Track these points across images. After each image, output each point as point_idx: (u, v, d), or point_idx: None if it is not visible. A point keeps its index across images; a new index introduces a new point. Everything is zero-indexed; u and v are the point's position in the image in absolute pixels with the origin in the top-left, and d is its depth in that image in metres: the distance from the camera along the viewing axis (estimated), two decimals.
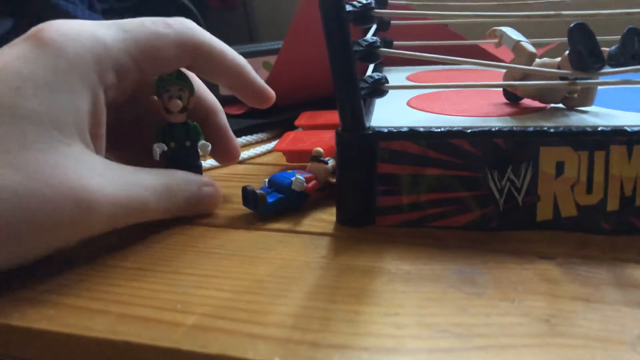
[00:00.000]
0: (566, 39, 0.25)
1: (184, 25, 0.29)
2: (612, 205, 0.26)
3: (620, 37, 0.26)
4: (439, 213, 0.27)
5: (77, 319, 0.21)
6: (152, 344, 0.19)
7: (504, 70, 0.32)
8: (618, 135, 0.25)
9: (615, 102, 0.32)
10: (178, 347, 0.19)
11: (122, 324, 0.21)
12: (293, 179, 0.30)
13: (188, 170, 0.31)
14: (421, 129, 0.27)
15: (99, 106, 0.26)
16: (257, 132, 0.47)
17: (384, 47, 0.28)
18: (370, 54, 0.27)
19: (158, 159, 0.30)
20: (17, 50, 0.25)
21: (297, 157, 0.37)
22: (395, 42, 0.46)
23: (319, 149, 0.32)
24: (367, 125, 0.28)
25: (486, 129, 0.26)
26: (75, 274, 0.25)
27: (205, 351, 0.19)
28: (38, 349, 0.21)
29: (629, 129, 0.25)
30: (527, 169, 0.26)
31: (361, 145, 0.27)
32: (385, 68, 0.50)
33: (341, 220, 0.29)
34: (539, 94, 0.30)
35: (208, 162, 0.40)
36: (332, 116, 0.44)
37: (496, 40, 0.33)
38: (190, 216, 0.30)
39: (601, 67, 0.26)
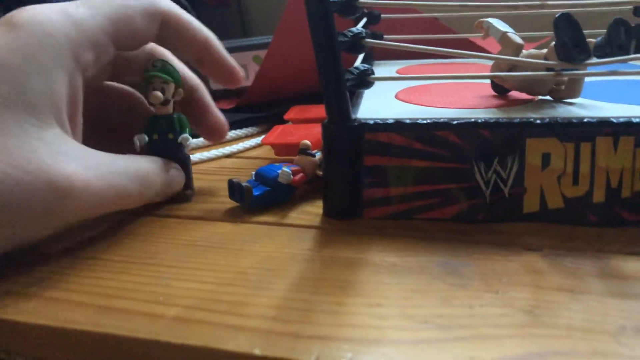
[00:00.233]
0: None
1: None
2: (599, 196, 0.26)
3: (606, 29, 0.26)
4: (425, 205, 0.27)
5: (57, 311, 0.21)
6: (132, 335, 0.19)
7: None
8: (604, 126, 0.25)
9: (602, 94, 0.32)
10: (158, 339, 0.19)
11: (103, 317, 0.20)
12: (280, 171, 0.30)
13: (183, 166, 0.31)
14: (407, 121, 0.27)
15: (75, 88, 0.26)
16: (246, 126, 0.47)
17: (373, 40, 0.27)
18: (356, 44, 0.27)
19: (138, 150, 0.30)
20: None
21: (286, 151, 0.37)
22: (385, 36, 0.45)
23: (307, 141, 0.32)
24: (354, 117, 0.28)
25: (472, 120, 0.26)
26: (57, 267, 0.24)
27: (186, 342, 0.19)
28: (18, 341, 0.21)
29: (614, 120, 0.25)
30: (514, 161, 0.26)
31: (347, 137, 0.27)
32: (376, 62, 0.50)
33: (328, 212, 0.29)
34: (527, 86, 0.30)
35: (196, 156, 0.39)
36: (322, 110, 0.43)
37: (483, 33, 0.32)
38: (161, 201, 0.30)
39: (587, 58, 0.25)
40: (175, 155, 0.31)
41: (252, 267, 0.24)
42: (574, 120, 0.26)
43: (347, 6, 0.26)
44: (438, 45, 0.27)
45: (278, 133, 0.39)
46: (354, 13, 0.26)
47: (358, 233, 0.26)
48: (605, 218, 0.26)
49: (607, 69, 0.26)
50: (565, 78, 0.29)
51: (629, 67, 0.39)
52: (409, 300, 0.21)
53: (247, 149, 0.42)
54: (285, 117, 0.44)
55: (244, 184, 0.30)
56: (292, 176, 0.30)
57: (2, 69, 0.23)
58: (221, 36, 0.32)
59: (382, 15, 0.46)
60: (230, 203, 0.31)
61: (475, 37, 0.49)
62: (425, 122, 0.26)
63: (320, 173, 0.30)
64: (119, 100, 0.33)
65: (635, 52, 0.26)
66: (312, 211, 0.29)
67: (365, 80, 0.27)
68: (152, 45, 0.32)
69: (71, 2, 0.27)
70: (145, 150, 0.30)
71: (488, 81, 0.34)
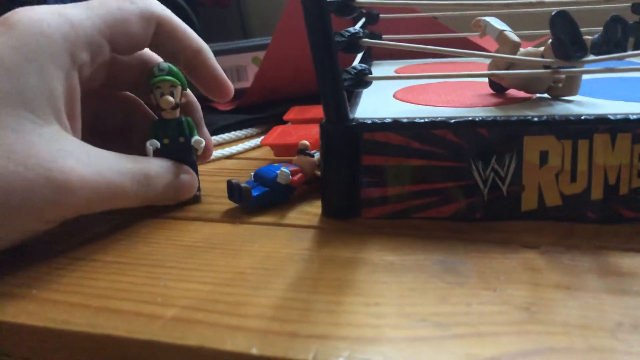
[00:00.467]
0: None
1: (147, 0, 0.29)
2: (597, 194, 0.26)
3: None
4: (423, 204, 0.27)
5: (56, 313, 0.21)
6: (130, 336, 0.19)
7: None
8: (601, 123, 0.25)
9: (600, 91, 0.31)
10: (156, 340, 0.19)
11: (101, 318, 0.20)
12: (278, 172, 0.30)
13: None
14: (404, 120, 0.27)
15: (73, 86, 0.26)
16: (246, 128, 0.47)
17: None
18: (353, 44, 0.27)
19: (151, 156, 0.30)
20: None
21: (285, 151, 0.37)
22: (384, 36, 0.45)
23: (305, 142, 0.32)
24: (351, 116, 0.28)
25: (470, 119, 0.26)
26: (55, 268, 0.25)
27: (184, 343, 0.19)
28: (16, 343, 0.21)
29: (612, 117, 0.25)
30: (511, 159, 0.26)
31: (345, 137, 0.27)
32: (375, 62, 0.50)
33: (326, 212, 0.29)
34: (524, 84, 0.30)
35: None
36: (321, 111, 0.43)
37: (480, 32, 0.32)
38: (166, 205, 0.30)
39: (583, 55, 0.25)
40: (187, 158, 0.31)
41: (250, 268, 0.24)
42: (572, 118, 0.26)
43: (343, 6, 0.26)
44: (436, 45, 0.27)
45: (277, 134, 0.39)
46: (350, 13, 0.26)
47: (356, 232, 0.27)
48: (603, 215, 0.26)
49: (604, 66, 0.26)
50: (563, 76, 0.29)
51: (626, 64, 0.39)
52: (406, 299, 0.21)
53: (247, 150, 0.43)
54: (285, 117, 0.44)
55: (243, 184, 0.30)
56: (290, 176, 0.30)
57: (1, 67, 0.24)
58: (221, 37, 0.33)
59: (381, 15, 0.46)
60: (229, 204, 0.31)
61: (473, 36, 0.49)
62: (422, 121, 0.27)
63: (319, 173, 0.30)
64: (117, 103, 0.33)
65: (632, 49, 0.26)
66: (310, 211, 0.30)
67: (362, 79, 0.27)
68: (146, 52, 0.32)
69: (67, 4, 0.27)
70: (157, 156, 0.30)
71: (486, 80, 0.34)
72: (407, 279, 0.22)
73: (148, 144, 0.30)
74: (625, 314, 0.19)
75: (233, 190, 0.30)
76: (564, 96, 0.30)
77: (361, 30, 0.27)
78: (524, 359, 0.17)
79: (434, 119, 0.27)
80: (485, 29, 0.32)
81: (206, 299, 0.21)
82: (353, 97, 0.34)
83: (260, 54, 0.54)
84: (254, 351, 0.18)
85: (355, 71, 0.27)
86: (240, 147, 0.42)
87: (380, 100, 0.32)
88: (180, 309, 0.21)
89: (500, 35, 0.30)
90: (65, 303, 0.22)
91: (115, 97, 0.33)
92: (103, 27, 0.27)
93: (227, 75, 0.33)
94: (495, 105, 0.30)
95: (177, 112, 0.31)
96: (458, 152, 0.26)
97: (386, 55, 0.52)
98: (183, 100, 0.31)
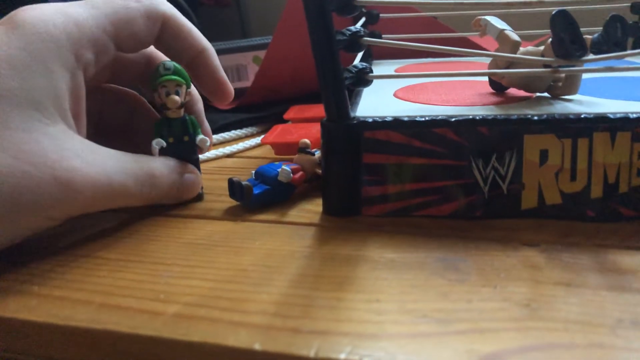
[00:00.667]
0: None
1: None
2: (596, 192, 0.26)
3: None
4: (424, 202, 0.27)
5: (58, 309, 0.21)
6: (133, 332, 0.19)
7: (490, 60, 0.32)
8: (601, 122, 0.26)
9: (599, 90, 0.32)
10: (159, 335, 0.19)
11: (104, 314, 0.21)
12: (279, 170, 0.30)
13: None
14: (405, 119, 0.27)
15: (78, 85, 0.26)
16: (246, 126, 0.47)
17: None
18: (354, 43, 0.27)
19: (157, 155, 0.30)
20: None
21: (285, 150, 0.37)
22: (384, 35, 0.45)
23: (306, 140, 0.32)
24: (352, 115, 0.28)
25: (470, 117, 0.26)
26: (58, 265, 0.25)
27: (186, 339, 0.19)
28: (20, 339, 0.21)
29: (612, 116, 0.26)
30: (512, 157, 0.26)
31: (346, 135, 0.27)
32: (375, 61, 0.50)
33: (327, 210, 0.29)
34: (524, 83, 0.30)
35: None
36: (322, 110, 0.43)
37: (480, 31, 0.33)
38: (170, 204, 0.30)
39: (583, 54, 0.26)
40: (191, 157, 0.31)
41: (252, 265, 0.24)
42: (572, 117, 0.26)
43: (345, 5, 0.26)
44: (436, 45, 0.28)
45: (278, 132, 0.39)
46: (351, 12, 0.26)
47: (357, 230, 0.27)
48: (603, 213, 0.26)
49: (604, 65, 0.27)
50: (563, 75, 0.30)
51: (626, 64, 0.40)
52: (407, 295, 0.21)
53: (247, 149, 0.43)
54: (285, 116, 0.44)
55: (244, 182, 0.30)
56: (291, 175, 0.30)
57: (8, 66, 0.24)
58: (221, 36, 0.33)
59: (381, 15, 0.46)
60: (230, 202, 0.31)
61: (473, 36, 0.49)
62: (423, 119, 0.27)
63: (320, 171, 0.31)
64: (121, 101, 0.33)
65: (631, 49, 0.26)
66: (311, 209, 0.30)
67: (363, 78, 0.27)
68: (150, 50, 0.32)
69: (72, 2, 0.27)
70: (162, 154, 0.30)
71: (486, 79, 0.34)
72: (407, 276, 0.22)
73: (154, 143, 0.30)
74: (625, 310, 0.19)
75: (234, 188, 0.30)
76: (564, 95, 0.30)
77: (362, 29, 0.27)
78: (524, 355, 0.17)
79: (434, 118, 0.27)
80: (485, 28, 0.32)
81: (208, 295, 0.22)
82: (353, 95, 0.34)
83: (261, 53, 0.54)
84: (257, 347, 0.18)
85: (356, 70, 0.27)
86: (240, 145, 0.42)
87: (381, 99, 0.32)
88: (182, 305, 0.21)
89: (500, 35, 0.30)
90: (67, 299, 0.22)
91: (118, 94, 0.33)
92: (108, 26, 0.27)
93: (227, 74, 0.33)
94: (496, 104, 0.30)
95: (182, 111, 0.31)
96: (458, 150, 0.26)
97: (386, 54, 0.52)
98: (187, 98, 0.31)
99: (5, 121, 0.23)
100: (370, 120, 0.27)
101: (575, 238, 0.25)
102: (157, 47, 0.31)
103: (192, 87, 0.33)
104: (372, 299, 0.21)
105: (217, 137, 0.44)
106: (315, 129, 0.38)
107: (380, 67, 0.46)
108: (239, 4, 0.95)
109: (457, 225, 0.26)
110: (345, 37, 0.27)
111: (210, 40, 0.32)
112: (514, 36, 0.29)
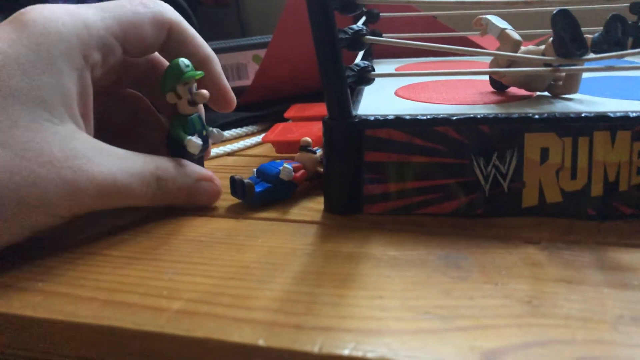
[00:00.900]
0: None
1: (160, 5, 0.30)
2: (596, 190, 0.26)
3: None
4: (425, 200, 0.27)
5: (62, 305, 0.21)
6: (137, 328, 0.20)
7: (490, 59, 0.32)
8: (601, 121, 0.26)
9: (600, 90, 0.32)
10: (162, 332, 0.19)
11: (108, 310, 0.21)
12: (281, 168, 0.30)
13: (195, 161, 0.31)
14: (407, 117, 0.27)
15: (86, 85, 0.26)
16: (247, 125, 0.47)
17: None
18: (357, 41, 0.27)
19: (197, 152, 0.30)
20: (0, 33, 0.25)
21: (286, 148, 0.37)
22: (384, 35, 0.46)
23: (307, 138, 0.32)
24: (354, 113, 0.28)
25: (471, 116, 0.27)
26: (62, 262, 0.25)
27: (190, 335, 0.19)
28: (24, 335, 0.21)
29: (612, 115, 0.26)
30: (512, 156, 0.26)
31: (348, 134, 0.27)
32: (375, 60, 0.50)
33: (329, 208, 0.29)
34: (525, 82, 0.31)
35: None
36: (322, 108, 0.43)
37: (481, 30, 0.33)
38: (186, 207, 0.30)
39: (584, 53, 0.26)
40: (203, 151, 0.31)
41: (255, 262, 0.24)
42: (572, 115, 0.26)
43: (347, 3, 0.26)
44: (436, 44, 0.28)
45: (279, 131, 0.39)
46: (354, 10, 0.26)
47: (359, 228, 0.27)
48: (603, 211, 0.26)
49: (604, 64, 0.27)
50: (563, 74, 0.30)
51: (626, 63, 0.40)
52: (409, 292, 0.21)
53: (248, 147, 0.43)
54: (286, 115, 0.44)
55: (245, 180, 0.30)
56: (293, 173, 0.30)
57: (16, 64, 0.24)
58: (220, 36, 0.33)
59: (381, 14, 0.46)
60: (232, 200, 0.31)
61: (474, 35, 0.49)
62: (424, 118, 0.27)
63: (321, 170, 0.31)
64: (124, 101, 0.33)
65: (631, 48, 0.26)
66: (313, 207, 0.30)
67: (365, 76, 0.28)
68: (154, 55, 0.32)
69: (81, 5, 0.27)
70: (181, 151, 0.30)
71: (486, 78, 0.34)
72: (410, 273, 0.22)
73: (193, 139, 0.29)
74: (626, 307, 0.19)
75: (236, 186, 0.30)
76: (564, 94, 0.30)
77: (364, 27, 0.27)
78: (526, 351, 0.17)
79: (436, 116, 0.27)
80: (486, 27, 0.32)
81: (212, 292, 0.22)
82: (355, 94, 0.34)
83: (261, 52, 0.54)
84: (261, 342, 0.18)
85: (358, 68, 0.27)
86: (241, 144, 0.42)
87: (382, 98, 0.33)
88: (186, 301, 0.21)
89: (501, 34, 0.30)
90: (71, 296, 0.22)
91: (121, 94, 0.33)
92: (116, 28, 0.27)
93: (227, 73, 0.33)
94: (497, 102, 0.30)
95: (196, 108, 0.30)
96: (460, 148, 0.27)
97: (386, 54, 0.52)
98: None
99: (13, 120, 0.23)
100: (372, 118, 0.27)
101: (576, 236, 0.25)
102: (161, 54, 0.31)
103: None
104: (374, 296, 0.21)
105: None
106: (316, 127, 0.39)
107: (380, 67, 0.47)
108: (238, 4, 0.95)
109: (459, 223, 0.27)
110: (347, 36, 0.27)
111: (208, 39, 0.32)
112: (515, 35, 0.30)
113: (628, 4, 0.35)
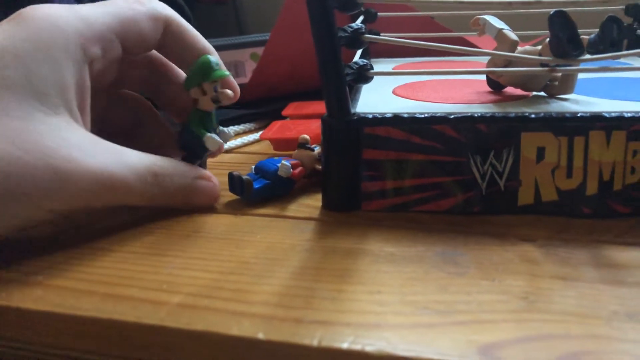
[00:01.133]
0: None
1: (155, 2, 0.30)
2: (592, 189, 0.26)
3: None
4: (423, 198, 0.28)
5: (63, 299, 0.21)
6: (137, 321, 0.20)
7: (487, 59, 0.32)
8: (597, 121, 0.26)
9: (595, 90, 0.32)
10: (163, 325, 0.19)
11: (108, 303, 0.21)
12: (279, 164, 0.30)
13: (201, 157, 0.31)
14: (405, 115, 0.27)
15: (83, 79, 0.26)
16: (245, 122, 0.47)
17: None
18: (356, 39, 0.27)
19: (215, 149, 0.30)
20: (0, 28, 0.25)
21: (284, 145, 0.38)
22: (382, 34, 0.46)
23: (306, 136, 0.32)
24: (353, 111, 0.28)
25: (469, 114, 0.27)
26: (63, 257, 0.25)
27: (190, 328, 0.19)
28: (25, 328, 0.21)
29: (607, 115, 0.26)
30: (509, 154, 0.27)
31: (346, 131, 0.28)
32: (373, 60, 0.51)
33: (327, 205, 0.29)
34: (522, 82, 0.31)
35: None
36: (320, 106, 0.44)
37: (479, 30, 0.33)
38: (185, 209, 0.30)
39: (580, 54, 0.26)
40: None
41: (254, 257, 0.24)
42: (568, 115, 0.26)
43: (347, 1, 0.26)
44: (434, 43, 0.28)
45: (277, 128, 0.39)
46: (353, 9, 0.27)
47: (357, 225, 0.27)
48: (598, 210, 0.27)
49: (600, 65, 0.27)
50: (559, 74, 0.30)
51: (621, 64, 0.40)
52: (407, 288, 0.21)
53: (246, 144, 0.43)
54: (284, 113, 0.44)
55: (244, 177, 0.30)
56: (291, 170, 0.30)
57: (12, 56, 0.24)
58: (217, 33, 0.33)
59: (379, 14, 0.46)
60: (230, 196, 0.31)
61: (471, 36, 0.49)
62: (422, 116, 0.27)
63: (319, 167, 0.31)
64: (125, 102, 0.33)
65: (626, 50, 0.27)
66: (311, 204, 0.30)
67: (364, 75, 0.28)
68: (153, 53, 0.32)
69: (81, 4, 0.28)
70: (199, 147, 0.30)
71: (483, 77, 0.35)
72: (408, 269, 0.23)
73: (214, 135, 0.29)
74: (620, 303, 0.20)
75: (234, 182, 0.30)
76: (560, 94, 0.31)
77: (363, 26, 0.28)
78: (522, 345, 0.18)
79: (433, 115, 0.27)
80: (484, 27, 0.32)
81: (211, 286, 0.22)
82: (353, 92, 0.34)
83: (259, 50, 0.54)
84: (260, 336, 0.19)
85: (357, 66, 0.28)
86: (239, 141, 0.43)
87: (380, 96, 0.33)
88: (185, 295, 0.21)
89: (499, 34, 0.30)
90: (72, 289, 0.22)
91: (122, 95, 0.33)
92: (115, 24, 0.27)
93: None
94: (494, 102, 0.30)
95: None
96: (457, 147, 0.27)
97: (383, 53, 0.52)
98: None
99: (5, 109, 0.23)
100: (371, 116, 0.27)
101: (571, 234, 0.25)
102: (159, 51, 0.31)
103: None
104: (373, 291, 0.21)
105: None
106: (314, 125, 0.39)
107: (377, 66, 0.47)
108: (236, 1, 0.95)
109: (456, 220, 0.27)
110: (346, 34, 0.27)
111: (206, 37, 0.32)
112: (512, 35, 0.30)
113: (623, 6, 0.35)
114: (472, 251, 0.24)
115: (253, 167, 0.32)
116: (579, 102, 0.29)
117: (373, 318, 0.19)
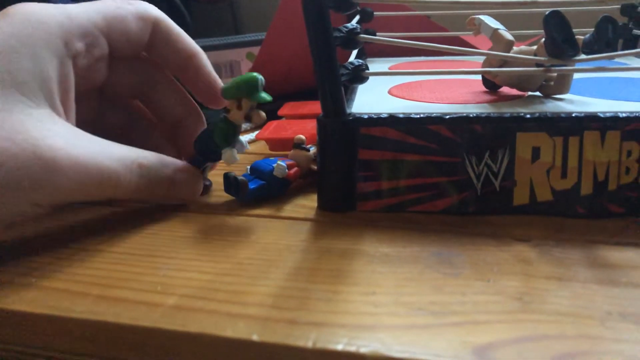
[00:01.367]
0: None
1: (143, 3, 0.30)
2: (586, 189, 0.26)
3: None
4: (418, 198, 0.28)
5: (57, 300, 0.21)
6: (131, 323, 0.20)
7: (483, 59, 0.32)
8: (592, 121, 0.26)
9: (590, 90, 0.32)
10: (157, 327, 0.19)
11: (102, 305, 0.21)
12: (275, 165, 0.30)
13: (211, 163, 0.31)
14: (401, 115, 0.27)
15: (66, 73, 0.26)
16: None
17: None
18: (351, 40, 0.27)
19: (229, 164, 0.29)
20: None
21: (280, 145, 0.38)
22: (378, 33, 0.46)
23: (301, 136, 0.32)
24: (348, 111, 0.28)
25: (464, 115, 0.27)
26: (56, 258, 0.25)
27: (185, 330, 0.19)
28: (19, 330, 0.21)
29: (602, 115, 0.26)
30: (504, 154, 0.27)
31: (342, 131, 0.28)
32: (368, 59, 0.51)
33: (322, 205, 0.29)
34: (517, 82, 0.31)
35: None
36: (316, 106, 0.44)
37: (474, 30, 0.33)
38: (167, 204, 0.30)
39: (575, 54, 0.26)
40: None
41: (249, 258, 0.24)
42: (563, 115, 0.26)
43: (342, 1, 0.26)
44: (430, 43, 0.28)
45: (272, 128, 0.39)
46: (349, 9, 0.27)
47: (352, 225, 0.27)
48: (593, 210, 0.27)
49: (595, 65, 0.27)
50: (555, 74, 0.30)
51: (616, 64, 0.40)
52: (402, 288, 0.21)
53: None
54: (280, 112, 0.44)
55: (239, 177, 0.30)
56: (287, 170, 0.30)
57: None
58: (213, 33, 0.33)
59: (375, 13, 0.46)
60: (225, 196, 0.31)
61: (466, 35, 0.49)
62: (418, 116, 0.27)
63: (315, 167, 0.31)
64: (119, 105, 0.33)
65: (621, 50, 0.27)
66: (306, 204, 0.30)
67: (359, 75, 0.28)
68: (149, 61, 0.32)
69: (68, 5, 0.28)
70: (211, 151, 0.30)
71: (479, 78, 0.35)
72: (403, 270, 0.23)
73: (234, 152, 0.29)
74: (614, 303, 0.20)
75: (230, 183, 0.30)
76: (556, 94, 0.31)
77: (359, 26, 0.28)
78: (517, 346, 0.18)
79: (429, 115, 0.27)
80: (479, 27, 0.32)
81: (206, 287, 0.22)
82: (348, 92, 0.34)
83: (254, 50, 0.54)
84: (255, 337, 0.18)
85: (352, 66, 0.28)
86: None
87: (376, 97, 0.33)
88: (180, 297, 0.21)
89: (494, 34, 0.30)
90: (66, 291, 0.22)
91: (115, 97, 0.33)
92: (100, 21, 0.28)
93: (220, 71, 0.33)
94: (489, 102, 0.30)
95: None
96: (452, 147, 0.27)
97: (379, 53, 0.52)
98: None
99: None
100: (366, 116, 0.27)
101: (566, 234, 0.25)
102: (147, 52, 0.31)
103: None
104: (368, 292, 0.21)
105: None
106: (310, 125, 0.39)
107: (373, 66, 0.47)
108: (232, 1, 0.95)
109: (451, 220, 0.27)
110: (342, 34, 0.27)
111: (201, 36, 0.32)
112: (508, 35, 0.30)
113: (619, 6, 0.35)
114: (467, 251, 0.24)
115: (248, 167, 0.32)
116: (574, 102, 0.29)
117: (368, 319, 0.19)
